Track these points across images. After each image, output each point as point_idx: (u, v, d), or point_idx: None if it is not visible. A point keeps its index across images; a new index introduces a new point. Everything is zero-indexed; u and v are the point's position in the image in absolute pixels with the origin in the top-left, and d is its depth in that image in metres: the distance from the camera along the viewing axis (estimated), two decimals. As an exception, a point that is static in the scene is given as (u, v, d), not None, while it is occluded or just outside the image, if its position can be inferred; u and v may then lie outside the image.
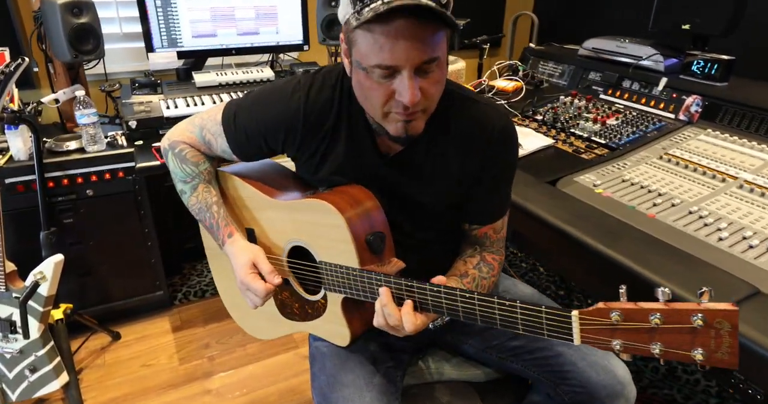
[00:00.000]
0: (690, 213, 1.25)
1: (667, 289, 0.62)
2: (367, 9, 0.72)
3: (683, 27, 1.70)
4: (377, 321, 0.83)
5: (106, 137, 1.76)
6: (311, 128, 0.93)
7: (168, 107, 1.82)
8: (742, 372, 1.03)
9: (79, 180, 1.71)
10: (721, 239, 1.14)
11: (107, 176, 1.74)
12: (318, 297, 1.00)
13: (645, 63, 1.80)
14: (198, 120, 1.03)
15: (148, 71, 2.00)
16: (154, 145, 1.73)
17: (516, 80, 2.11)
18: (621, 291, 0.64)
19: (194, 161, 1.03)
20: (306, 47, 2.12)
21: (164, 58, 1.91)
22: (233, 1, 1.93)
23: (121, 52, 2.16)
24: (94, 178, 1.73)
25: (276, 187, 1.03)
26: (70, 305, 1.68)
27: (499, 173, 0.98)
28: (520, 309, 0.71)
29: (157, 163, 1.61)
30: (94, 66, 1.94)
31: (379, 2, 0.71)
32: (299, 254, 1.01)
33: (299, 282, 1.04)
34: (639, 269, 1.07)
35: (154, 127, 1.79)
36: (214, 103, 1.88)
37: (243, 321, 1.23)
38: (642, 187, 1.37)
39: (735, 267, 1.06)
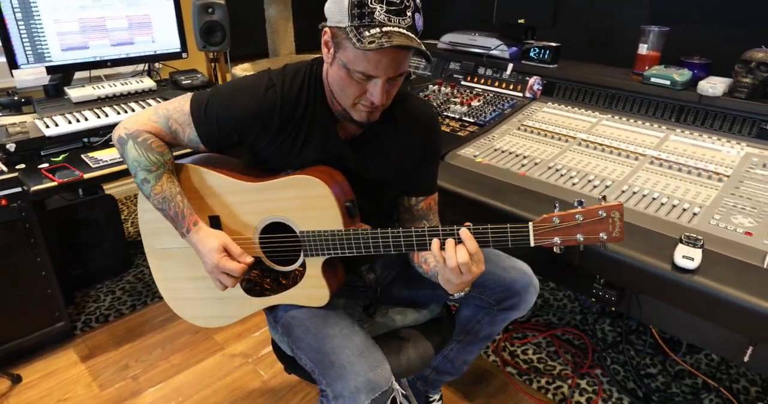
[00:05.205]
0: (549, 168, 1.58)
1: (582, 200, 0.93)
2: (368, 35, 0.88)
3: (519, 21, 2.07)
4: (451, 263, 0.93)
5: (-24, 164, 1.62)
6: (285, 119, 1.06)
7: (47, 126, 1.72)
8: (602, 276, 1.37)
9: (-46, 213, 1.56)
10: (573, 184, 1.48)
11: (-13, 205, 1.61)
12: (295, 266, 1.11)
13: (494, 52, 2.15)
14: (162, 110, 1.08)
15: (12, 89, 1.86)
16: (40, 166, 1.63)
17: (389, 74, 2.35)
18: (556, 205, 0.94)
19: (159, 151, 1.07)
20: (185, 55, 2.12)
21: (31, 75, 1.79)
22: (103, 11, 1.87)
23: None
24: (-29, 209, 1.58)
25: (243, 173, 1.12)
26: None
27: (435, 150, 1.22)
28: (491, 230, 0.95)
29: (54, 184, 1.54)
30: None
31: (379, 32, 0.88)
32: (269, 233, 1.12)
33: (270, 258, 1.14)
34: (519, 212, 1.35)
35: (36, 148, 1.69)
36: (98, 117, 1.82)
37: (195, 314, 1.26)
38: (510, 153, 1.69)
39: (587, 204, 1.39)
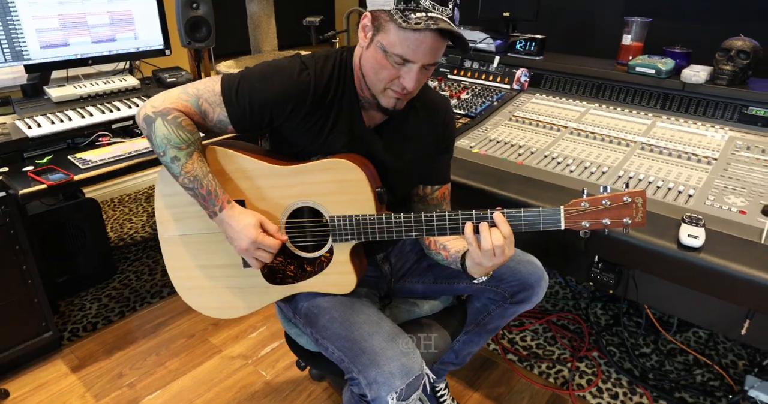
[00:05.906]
0: (545, 156, 1.61)
1: (607, 186, 0.96)
2: (414, 17, 0.92)
3: (504, 14, 2.10)
4: (486, 245, 0.95)
5: (-45, 168, 1.54)
6: (317, 101, 1.07)
7: (29, 127, 1.65)
8: (606, 259, 1.40)
9: (-66, 220, 1.48)
10: (571, 171, 1.52)
11: (-32, 212, 1.53)
12: (321, 252, 1.10)
13: (480, 45, 2.17)
14: (192, 89, 1.06)
15: (-12, 90, 1.77)
16: (25, 169, 1.56)
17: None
18: (584, 191, 0.96)
19: (189, 129, 1.04)
20: (168, 52, 2.06)
21: (9, 74, 1.71)
22: (84, 6, 1.80)
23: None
24: (-48, 216, 1.50)
25: (272, 157, 1.11)
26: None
27: (451, 141, 1.24)
28: (524, 213, 0.97)
29: (43, 186, 1.47)
30: None
31: (424, 16, 0.91)
32: (293, 219, 1.11)
33: (294, 244, 1.12)
34: (527, 200, 1.38)
35: (18, 151, 1.62)
36: (82, 117, 1.75)
37: (210, 304, 1.21)
38: (506, 143, 1.71)
39: (586, 188, 1.43)
